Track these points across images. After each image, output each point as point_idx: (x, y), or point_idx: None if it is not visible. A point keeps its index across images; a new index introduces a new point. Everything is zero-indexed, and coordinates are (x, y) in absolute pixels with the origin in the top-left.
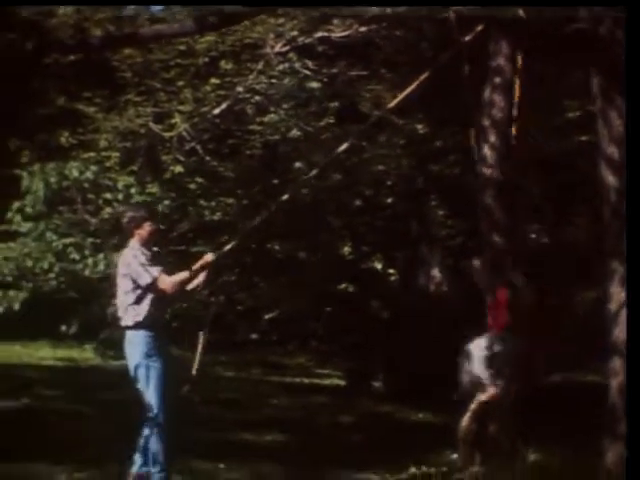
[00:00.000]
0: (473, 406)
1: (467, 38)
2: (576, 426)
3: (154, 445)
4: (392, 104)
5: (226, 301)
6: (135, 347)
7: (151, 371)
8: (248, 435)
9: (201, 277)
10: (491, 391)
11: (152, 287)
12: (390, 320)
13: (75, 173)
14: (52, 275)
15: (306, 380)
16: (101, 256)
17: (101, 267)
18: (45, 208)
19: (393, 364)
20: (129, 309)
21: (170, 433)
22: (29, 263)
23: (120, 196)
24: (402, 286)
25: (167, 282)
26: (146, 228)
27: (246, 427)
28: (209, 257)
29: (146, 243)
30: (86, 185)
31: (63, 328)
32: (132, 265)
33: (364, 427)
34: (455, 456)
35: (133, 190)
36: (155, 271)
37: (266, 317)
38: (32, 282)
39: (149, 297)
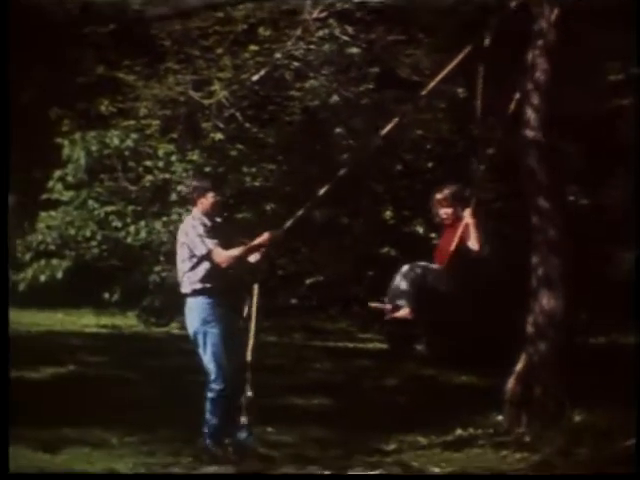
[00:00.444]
0: (518, 367)
1: (513, 4)
2: (621, 387)
3: (210, 415)
4: (438, 79)
5: (268, 267)
6: (193, 314)
7: (208, 337)
8: (295, 399)
9: (258, 254)
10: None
11: (207, 258)
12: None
13: (116, 141)
14: (94, 243)
15: (349, 344)
16: (142, 223)
17: (143, 234)
18: (86, 176)
19: (436, 327)
20: (186, 277)
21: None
22: (71, 231)
23: (160, 164)
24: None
25: (222, 255)
26: (209, 198)
27: (292, 391)
28: (267, 236)
29: (208, 213)
30: (127, 153)
31: (106, 296)
32: (190, 235)
33: (408, 390)
34: (501, 418)
35: (173, 158)
36: (211, 243)
37: (308, 282)
38: (74, 250)
39: (205, 266)
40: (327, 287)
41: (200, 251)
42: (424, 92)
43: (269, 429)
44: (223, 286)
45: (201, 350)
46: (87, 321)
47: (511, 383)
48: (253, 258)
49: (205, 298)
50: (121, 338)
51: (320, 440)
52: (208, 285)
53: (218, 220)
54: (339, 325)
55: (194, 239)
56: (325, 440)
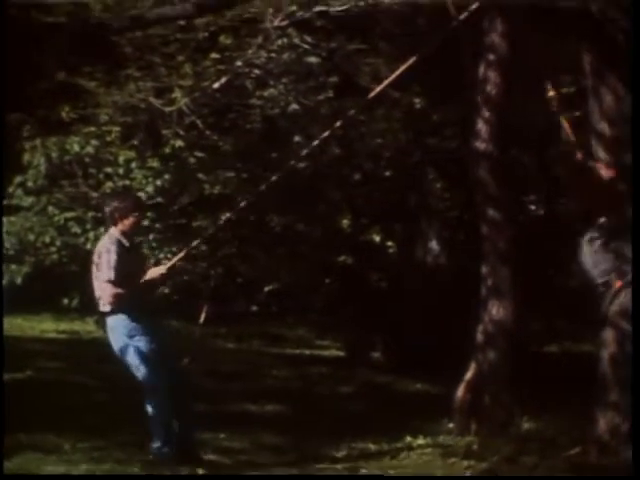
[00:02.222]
0: (468, 376)
1: (462, 17)
2: (569, 395)
3: (152, 424)
4: (385, 83)
5: (225, 273)
6: (115, 331)
7: (135, 351)
8: (249, 406)
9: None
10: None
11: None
12: (388, 291)
13: (76, 147)
14: (54, 249)
15: (306, 351)
16: (102, 230)
17: None
18: (46, 182)
19: (392, 335)
20: (99, 303)
21: (172, 407)
22: (31, 237)
23: (121, 170)
24: (400, 258)
25: (108, 293)
26: (130, 218)
27: (247, 398)
28: (159, 270)
29: (126, 233)
30: (87, 159)
31: (65, 301)
32: (102, 257)
33: (363, 397)
34: (451, 425)
35: (134, 164)
36: (112, 275)
37: (266, 289)
38: (34, 256)
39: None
40: (285, 294)
41: (103, 277)
42: (370, 96)
43: (221, 435)
44: (141, 301)
45: (131, 364)
46: (46, 326)
47: (461, 391)
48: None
49: (124, 314)
50: (80, 343)
51: (271, 446)
52: (125, 302)
53: (135, 239)
54: (297, 332)
55: (103, 263)
56: (276, 446)
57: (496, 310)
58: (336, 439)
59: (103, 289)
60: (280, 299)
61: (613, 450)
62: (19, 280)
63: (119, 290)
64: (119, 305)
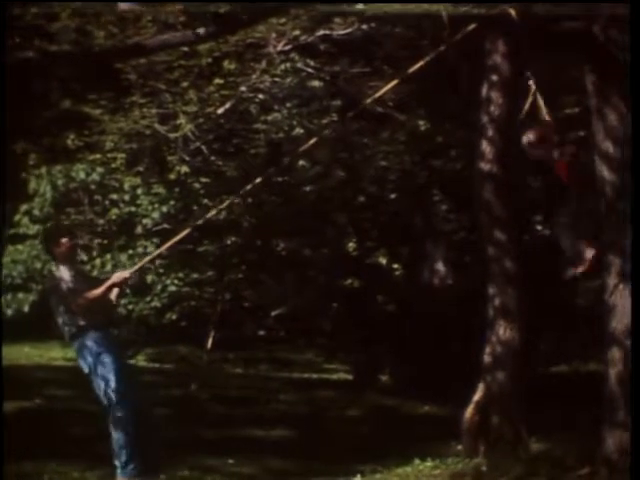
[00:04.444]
0: (476, 397)
1: (458, 37)
2: (578, 415)
3: (120, 444)
4: (372, 98)
5: (233, 298)
6: (83, 350)
7: (100, 368)
8: (257, 431)
9: (115, 291)
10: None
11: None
12: (395, 314)
13: (82, 175)
14: None
15: (314, 375)
16: (108, 256)
17: (109, 267)
18: (52, 210)
19: (399, 358)
20: (64, 327)
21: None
22: (38, 265)
23: (126, 197)
24: (407, 280)
25: (77, 308)
26: (63, 244)
27: (254, 423)
28: (117, 275)
29: (68, 260)
30: (93, 187)
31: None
32: (60, 287)
33: (371, 420)
34: (459, 447)
35: (139, 191)
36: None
37: (273, 314)
38: (41, 284)
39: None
40: (292, 318)
41: (67, 301)
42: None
43: (230, 461)
44: (105, 320)
45: (97, 382)
46: (54, 354)
47: (469, 413)
48: (113, 295)
49: (92, 332)
50: None
51: (280, 471)
52: (91, 320)
53: (79, 265)
54: (305, 356)
55: (62, 288)
56: (285, 471)
57: (503, 331)
58: (343, 463)
59: (74, 307)
60: (287, 323)
61: (622, 469)
62: (26, 308)
63: (83, 302)
64: (89, 319)
